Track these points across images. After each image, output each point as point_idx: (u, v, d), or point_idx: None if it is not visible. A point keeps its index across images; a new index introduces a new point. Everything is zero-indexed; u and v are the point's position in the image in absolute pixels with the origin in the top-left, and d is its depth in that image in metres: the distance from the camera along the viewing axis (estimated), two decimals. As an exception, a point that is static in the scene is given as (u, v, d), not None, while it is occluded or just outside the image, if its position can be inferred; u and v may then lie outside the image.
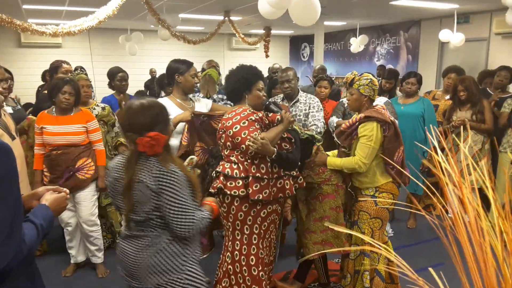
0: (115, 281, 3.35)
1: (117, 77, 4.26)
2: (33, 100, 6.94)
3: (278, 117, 2.47)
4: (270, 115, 2.52)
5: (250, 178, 2.40)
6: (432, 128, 1.13)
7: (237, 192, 2.41)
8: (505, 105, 4.11)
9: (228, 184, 2.43)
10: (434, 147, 0.92)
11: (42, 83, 6.30)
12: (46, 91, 4.01)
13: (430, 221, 0.83)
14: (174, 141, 2.86)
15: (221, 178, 2.45)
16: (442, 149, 1.02)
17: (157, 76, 6.94)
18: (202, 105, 3.11)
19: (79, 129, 3.20)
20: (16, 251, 1.23)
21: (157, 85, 4.95)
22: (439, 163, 0.81)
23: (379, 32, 10.49)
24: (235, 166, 2.43)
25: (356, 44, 9.41)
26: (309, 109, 3.57)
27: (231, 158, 2.46)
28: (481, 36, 7.88)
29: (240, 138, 2.35)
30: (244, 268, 2.51)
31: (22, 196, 1.53)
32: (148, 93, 8.00)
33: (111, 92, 4.41)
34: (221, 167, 2.48)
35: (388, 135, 2.59)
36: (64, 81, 3.12)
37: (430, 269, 0.91)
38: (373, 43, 10.66)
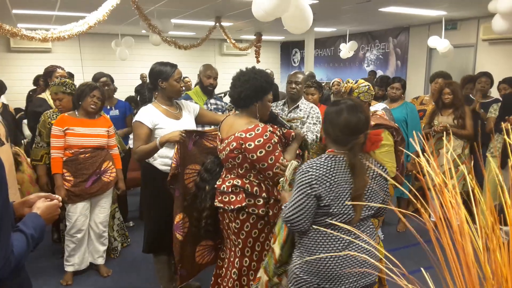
0: (116, 283, 3.37)
1: (99, 82, 4.26)
2: (22, 105, 6.88)
3: (293, 134, 2.39)
4: (285, 131, 2.39)
5: (272, 201, 2.32)
6: (415, 133, 1.15)
7: (257, 211, 2.31)
8: (491, 110, 4.18)
9: (247, 200, 2.31)
10: (417, 152, 0.95)
11: (32, 87, 6.26)
12: (40, 96, 4.03)
13: (409, 226, 0.85)
14: (170, 152, 2.72)
15: (243, 194, 2.31)
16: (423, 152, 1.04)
17: (148, 81, 6.94)
18: (190, 110, 2.96)
19: (103, 133, 3.33)
20: (3, 264, 1.19)
21: (148, 90, 4.94)
22: (421, 166, 0.83)
23: (368, 38, 10.59)
24: (255, 184, 2.32)
25: (346, 50, 9.49)
26: (307, 118, 3.52)
27: (248, 176, 2.34)
28: (468, 42, 8.01)
29: (266, 164, 2.23)
30: (251, 282, 2.43)
31: (13, 203, 1.48)
32: (138, 98, 7.99)
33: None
34: (239, 181, 2.33)
35: (398, 140, 2.68)
36: (93, 86, 3.26)
37: (422, 269, 0.93)
38: (363, 49, 10.77)
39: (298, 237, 1.92)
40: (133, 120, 2.78)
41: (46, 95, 3.91)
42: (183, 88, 2.89)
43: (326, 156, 1.85)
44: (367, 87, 2.78)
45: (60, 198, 1.55)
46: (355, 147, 1.79)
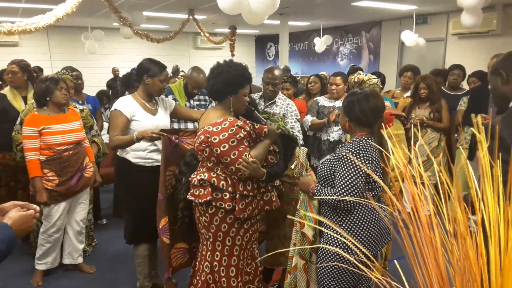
0: (89, 283, 3.30)
1: (71, 76, 4.15)
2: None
3: (265, 130, 2.34)
4: (257, 126, 2.35)
5: (237, 196, 2.30)
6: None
7: (223, 205, 2.29)
8: (461, 103, 4.28)
9: (214, 195, 2.30)
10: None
11: (-2, 83, 6.04)
12: (1, 91, 3.87)
13: (385, 216, 0.85)
14: (142, 145, 2.76)
15: (210, 189, 2.30)
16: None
17: (120, 75, 6.81)
18: (166, 106, 2.98)
19: (79, 126, 3.26)
20: None
21: (121, 84, 4.86)
22: (387, 158, 0.84)
23: (341, 33, 10.69)
24: (221, 178, 2.30)
25: (321, 44, 9.55)
26: (284, 116, 3.42)
27: (215, 170, 2.32)
28: (438, 36, 8.18)
29: (229, 159, 2.21)
30: (223, 279, 2.42)
31: None
32: (110, 93, 7.83)
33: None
34: (206, 175, 2.32)
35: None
36: (56, 79, 3.13)
37: (395, 261, 0.94)
38: (336, 43, 10.86)
39: (342, 215, 2.09)
40: (112, 109, 2.80)
41: (7, 91, 3.77)
42: (165, 89, 2.90)
43: (363, 138, 2.08)
44: (378, 79, 3.25)
45: (37, 208, 1.45)
46: (379, 126, 2.06)
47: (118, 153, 2.90)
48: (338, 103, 3.83)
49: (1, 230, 1.29)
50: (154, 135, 2.55)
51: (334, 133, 3.76)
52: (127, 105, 2.76)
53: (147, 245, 2.97)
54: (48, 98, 3.10)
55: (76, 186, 3.18)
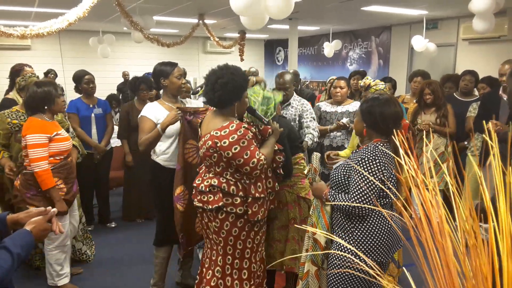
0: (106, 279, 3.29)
1: (84, 80, 4.19)
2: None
3: (270, 130, 2.41)
4: (261, 127, 2.41)
5: (250, 199, 2.32)
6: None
7: (235, 210, 2.31)
8: (471, 109, 4.24)
9: (224, 200, 2.32)
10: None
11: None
12: (8, 96, 3.89)
13: (397, 222, 0.85)
14: (169, 148, 2.86)
15: (220, 194, 2.32)
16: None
17: (130, 79, 6.85)
18: (194, 107, 3.01)
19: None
20: None
21: (129, 88, 4.89)
22: (401, 165, 0.84)
23: (351, 37, 10.66)
24: (231, 182, 2.33)
25: (330, 48, 9.53)
26: (299, 117, 3.53)
27: (224, 175, 2.34)
28: (449, 41, 8.12)
29: (242, 160, 2.23)
30: (236, 282, 2.43)
31: (14, 217, 1.45)
32: (120, 97, 7.89)
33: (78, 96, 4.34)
34: (215, 180, 2.33)
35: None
36: (57, 85, 3.10)
37: (404, 268, 0.94)
38: (346, 48, 10.84)
39: (355, 221, 2.04)
40: (139, 116, 2.92)
41: (14, 95, 3.78)
42: (184, 85, 2.97)
43: (379, 144, 2.05)
44: (385, 86, 3.24)
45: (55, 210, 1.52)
46: (392, 134, 2.01)
47: (151, 157, 2.98)
48: (340, 109, 3.84)
49: (24, 238, 1.33)
50: (179, 114, 2.68)
51: (337, 139, 3.78)
52: (152, 110, 2.86)
53: (169, 247, 3.04)
54: (46, 106, 2.93)
55: (76, 192, 3.17)
